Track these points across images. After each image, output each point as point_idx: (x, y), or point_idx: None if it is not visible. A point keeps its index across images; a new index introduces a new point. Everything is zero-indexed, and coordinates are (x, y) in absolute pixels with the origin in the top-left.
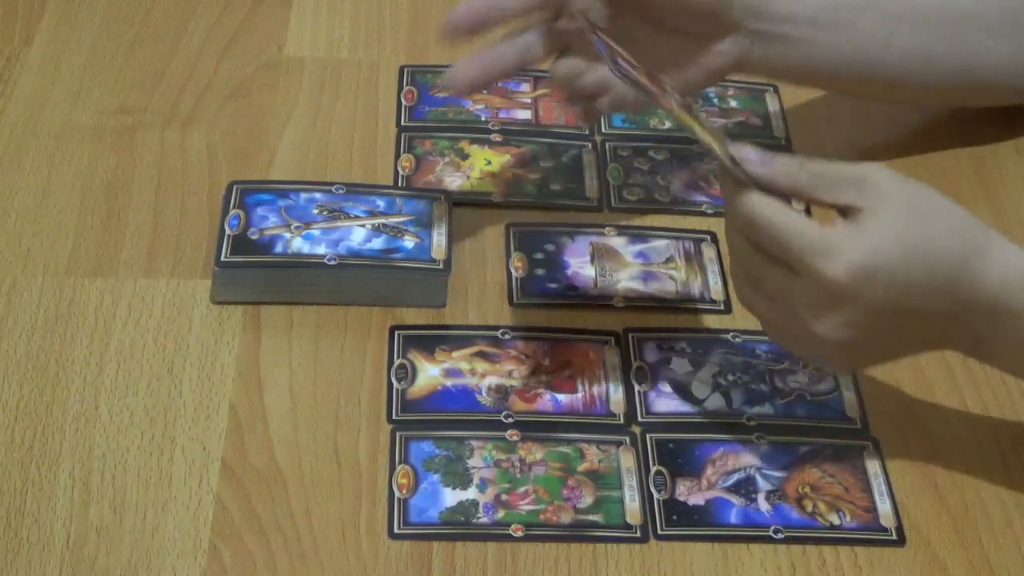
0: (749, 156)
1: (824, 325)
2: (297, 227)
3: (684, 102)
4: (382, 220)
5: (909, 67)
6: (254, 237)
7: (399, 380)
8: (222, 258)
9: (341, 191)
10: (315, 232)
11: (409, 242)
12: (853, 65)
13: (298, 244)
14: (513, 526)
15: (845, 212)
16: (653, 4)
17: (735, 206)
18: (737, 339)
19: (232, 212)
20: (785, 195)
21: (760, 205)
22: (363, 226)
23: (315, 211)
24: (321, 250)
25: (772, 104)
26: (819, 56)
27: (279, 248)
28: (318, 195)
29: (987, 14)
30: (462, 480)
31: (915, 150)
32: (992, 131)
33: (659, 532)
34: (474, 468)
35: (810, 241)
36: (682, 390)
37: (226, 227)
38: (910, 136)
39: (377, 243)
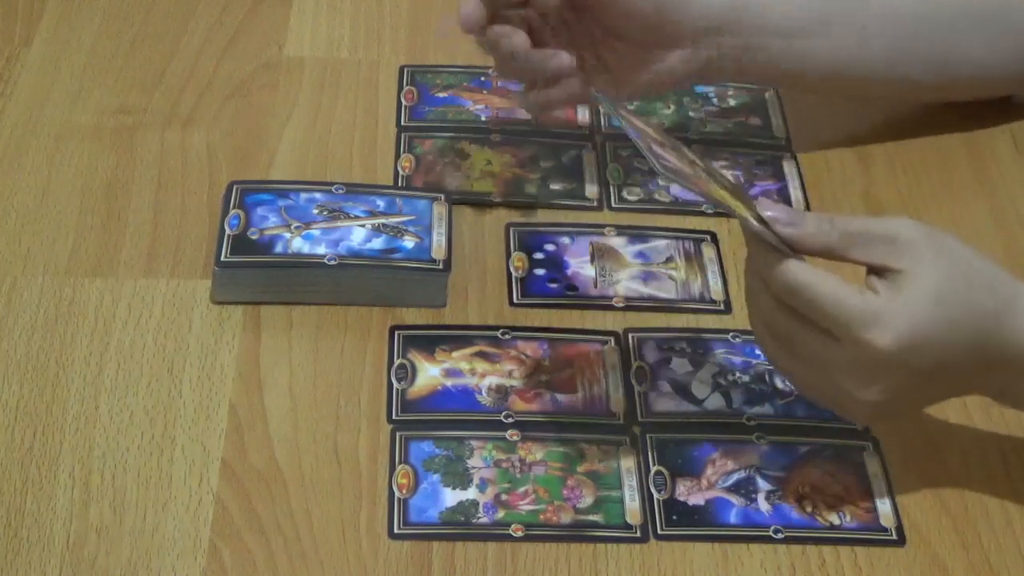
0: (778, 216)
1: (865, 392)
2: (297, 227)
3: (708, 168)
4: (382, 220)
5: (890, 62)
6: (254, 237)
7: (399, 380)
8: (222, 258)
9: (341, 191)
10: (315, 232)
11: (409, 242)
12: (828, 68)
13: (298, 244)
14: (513, 526)
15: (879, 272)
16: (605, 10)
17: (776, 273)
18: (737, 339)
19: (232, 212)
20: (817, 254)
21: (801, 273)
22: (363, 226)
23: (315, 211)
24: (321, 250)
25: (772, 103)
26: (791, 62)
27: (279, 248)
28: (318, 195)
29: (966, 10)
30: (462, 480)
31: (915, 149)
32: (991, 128)
33: (659, 532)
34: (474, 468)
35: (855, 311)
36: (682, 390)
37: (226, 227)
38: (910, 135)
39: (377, 243)
